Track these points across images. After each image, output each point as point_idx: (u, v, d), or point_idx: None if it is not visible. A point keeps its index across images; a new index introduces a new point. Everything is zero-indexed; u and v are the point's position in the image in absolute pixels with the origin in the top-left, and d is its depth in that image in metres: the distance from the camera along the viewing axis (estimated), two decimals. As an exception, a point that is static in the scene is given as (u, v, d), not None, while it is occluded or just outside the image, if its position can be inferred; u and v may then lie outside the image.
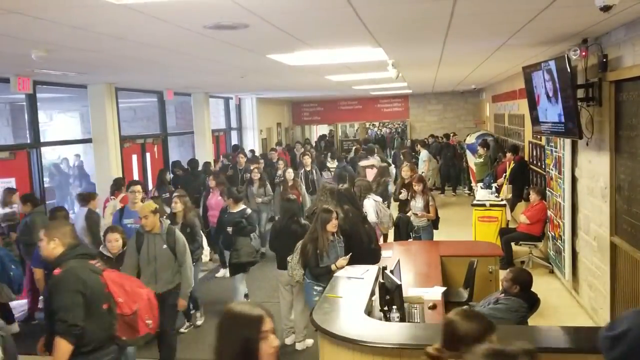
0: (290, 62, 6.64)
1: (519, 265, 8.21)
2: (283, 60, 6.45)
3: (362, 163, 11.23)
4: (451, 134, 16.83)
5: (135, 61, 6.06)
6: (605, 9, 3.37)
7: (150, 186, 10.49)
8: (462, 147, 15.47)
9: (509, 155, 10.20)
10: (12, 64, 6.01)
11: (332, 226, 5.19)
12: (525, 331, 4.14)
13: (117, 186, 7.98)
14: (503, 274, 4.75)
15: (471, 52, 7.04)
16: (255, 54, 5.84)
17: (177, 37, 4.53)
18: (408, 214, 7.71)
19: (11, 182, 7.60)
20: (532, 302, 4.44)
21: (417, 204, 7.52)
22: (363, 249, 5.52)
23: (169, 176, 10.24)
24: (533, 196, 8.25)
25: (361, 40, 5.26)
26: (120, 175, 8.75)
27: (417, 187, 7.55)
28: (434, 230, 7.67)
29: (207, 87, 11.21)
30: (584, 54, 5.59)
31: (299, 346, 5.85)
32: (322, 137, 23.12)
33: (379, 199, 7.37)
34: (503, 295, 4.39)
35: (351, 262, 5.26)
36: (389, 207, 8.26)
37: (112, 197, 7.86)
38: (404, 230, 7.76)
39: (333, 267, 5.18)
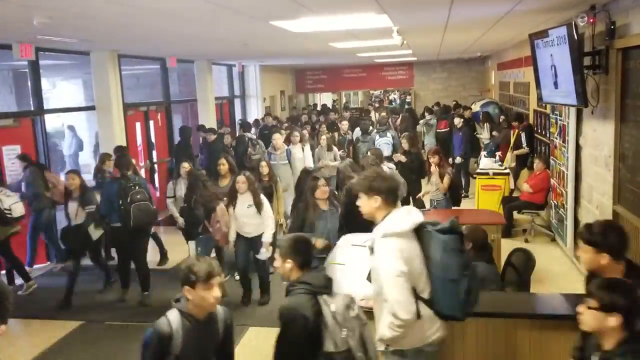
0: (294, 29, 6.56)
1: (521, 233, 8.29)
2: (286, 27, 6.37)
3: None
4: (464, 110, 13.64)
5: (137, 28, 6.01)
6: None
7: (155, 153, 10.57)
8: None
9: (513, 124, 10.11)
10: (14, 31, 5.97)
11: (320, 193, 5.06)
12: (526, 298, 4.21)
13: (102, 162, 7.81)
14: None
15: (478, 19, 6.94)
16: (258, 20, 5.78)
17: (179, 3, 4.48)
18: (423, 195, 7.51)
19: (16, 150, 7.60)
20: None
21: (435, 178, 7.07)
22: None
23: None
24: (537, 165, 8.24)
25: (366, 6, 5.19)
26: (124, 144, 8.75)
27: (433, 160, 7.03)
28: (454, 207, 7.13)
29: (210, 54, 11.11)
30: (591, 21, 5.52)
31: None
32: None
33: (393, 166, 7.41)
34: None
35: (356, 231, 5.28)
36: None
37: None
38: None
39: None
